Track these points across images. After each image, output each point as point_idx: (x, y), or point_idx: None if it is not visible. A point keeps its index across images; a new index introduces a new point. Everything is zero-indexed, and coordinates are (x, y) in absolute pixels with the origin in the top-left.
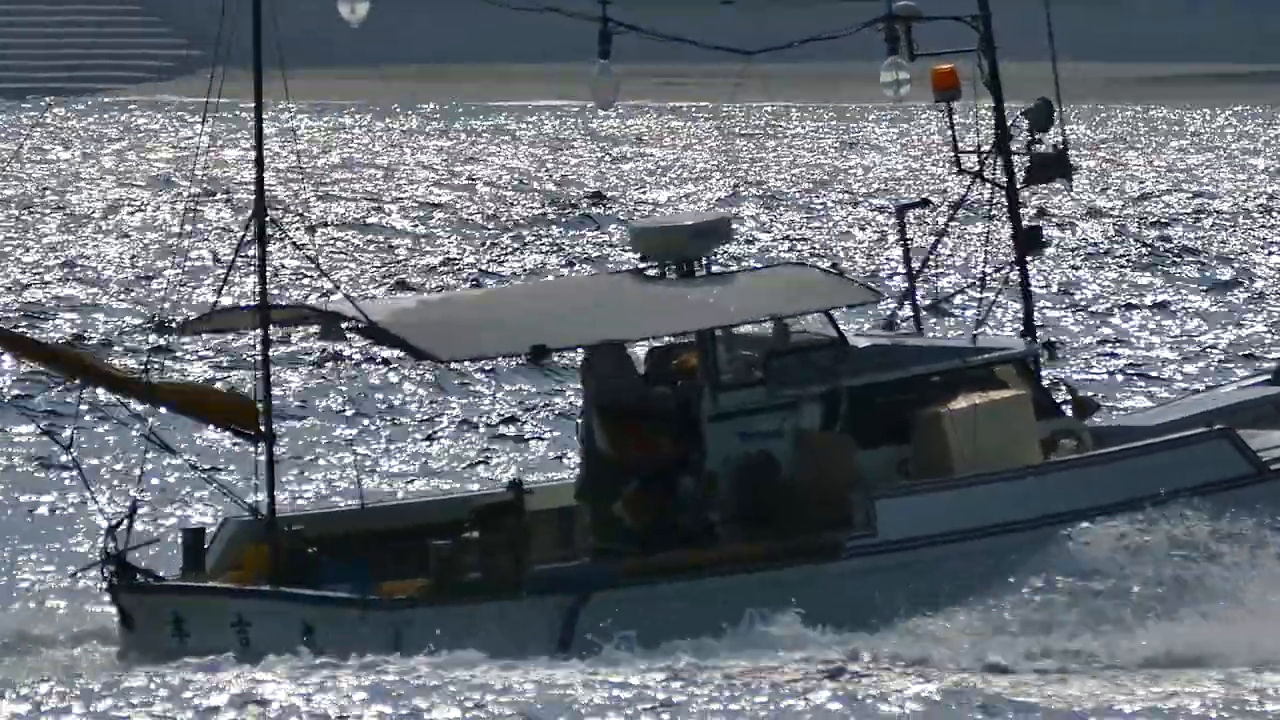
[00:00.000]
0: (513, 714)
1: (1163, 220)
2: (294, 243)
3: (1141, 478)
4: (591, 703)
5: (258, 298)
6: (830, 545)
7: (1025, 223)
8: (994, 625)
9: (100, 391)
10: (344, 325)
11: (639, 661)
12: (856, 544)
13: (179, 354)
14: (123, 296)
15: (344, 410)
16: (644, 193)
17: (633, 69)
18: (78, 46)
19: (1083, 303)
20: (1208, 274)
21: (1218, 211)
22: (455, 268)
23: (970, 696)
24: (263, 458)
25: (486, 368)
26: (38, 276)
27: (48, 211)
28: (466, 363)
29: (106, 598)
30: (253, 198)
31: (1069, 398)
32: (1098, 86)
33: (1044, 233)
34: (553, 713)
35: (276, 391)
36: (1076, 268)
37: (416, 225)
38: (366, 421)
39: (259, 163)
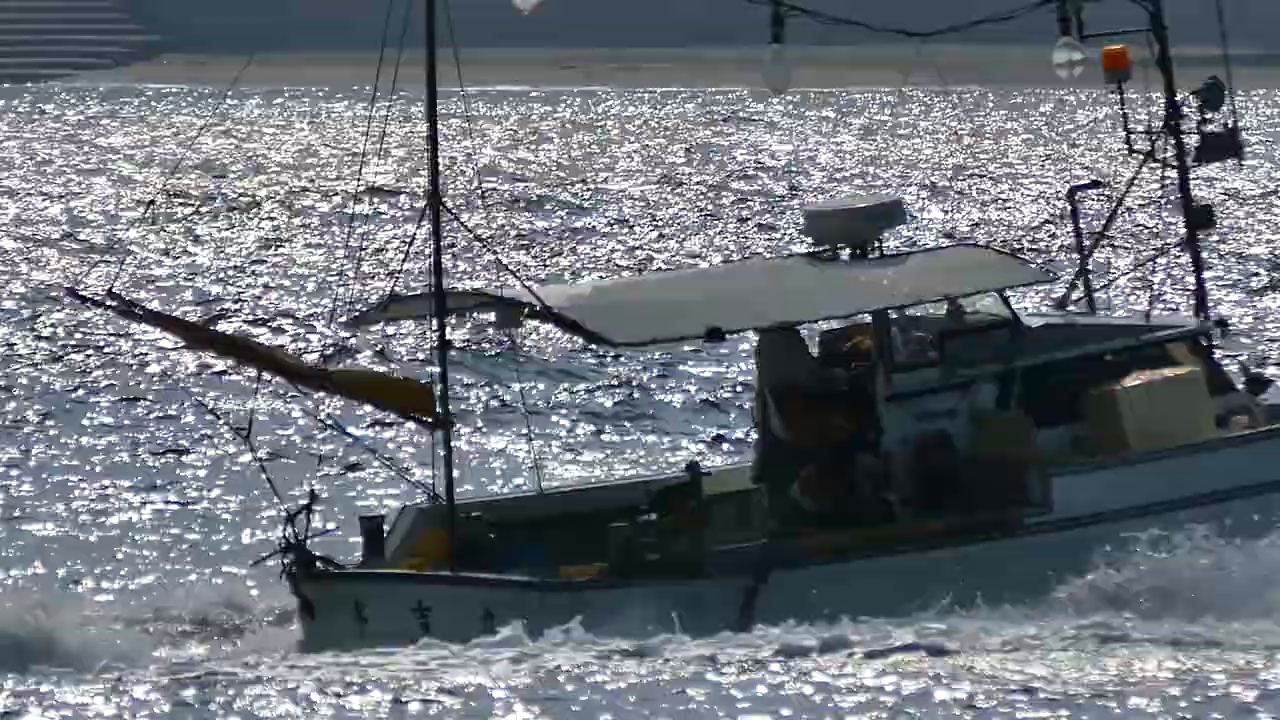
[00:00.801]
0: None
1: None
2: (468, 229)
3: None
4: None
5: (433, 285)
6: (1007, 522)
7: (1196, 201)
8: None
9: (278, 381)
10: (519, 311)
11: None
12: (1033, 521)
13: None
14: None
15: (521, 396)
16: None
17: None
18: (33, 33)
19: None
20: None
21: None
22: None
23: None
24: (440, 444)
25: (662, 351)
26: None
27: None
28: (641, 346)
29: (286, 586)
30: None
31: (1242, 375)
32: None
33: (1214, 211)
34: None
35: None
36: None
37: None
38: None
39: (432, 149)
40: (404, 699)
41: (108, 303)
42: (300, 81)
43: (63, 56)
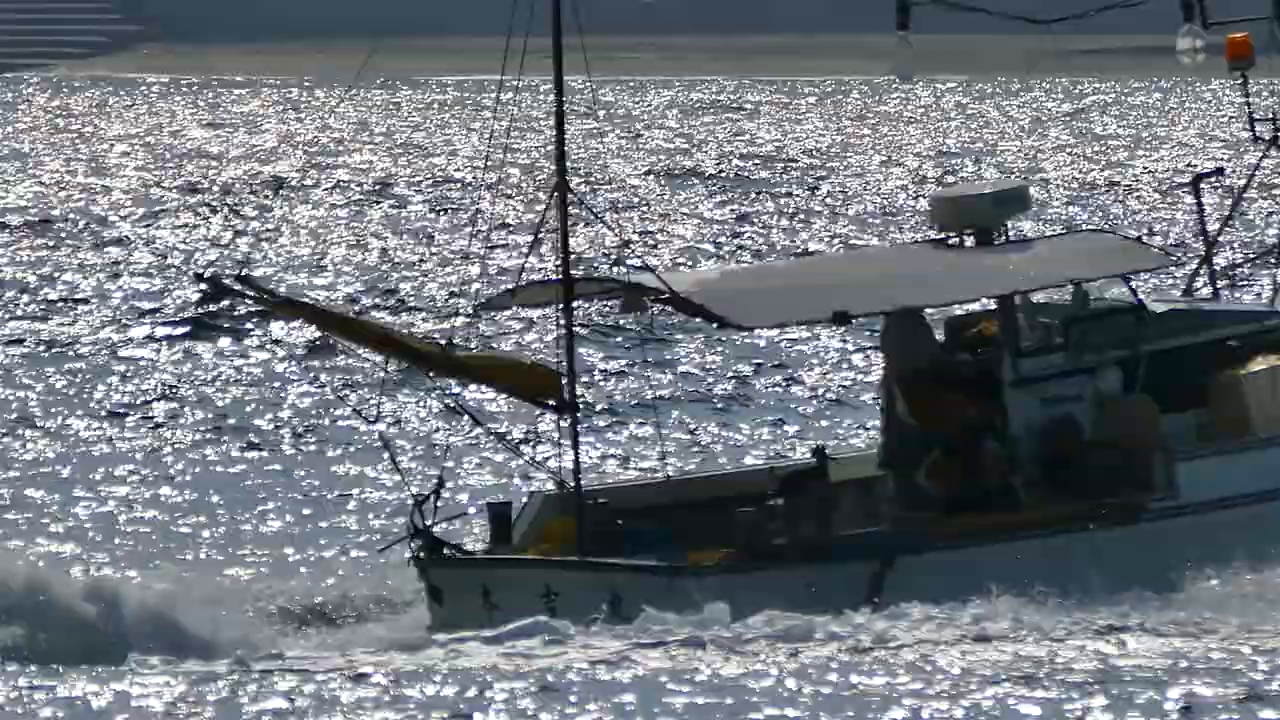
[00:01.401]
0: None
1: None
2: (595, 214)
3: None
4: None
5: (561, 271)
6: (1133, 507)
7: None
8: None
9: (407, 365)
10: (647, 295)
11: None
12: (1159, 506)
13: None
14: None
15: (648, 381)
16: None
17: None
18: (11, 22)
19: None
20: None
21: None
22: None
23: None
24: (567, 430)
25: (788, 335)
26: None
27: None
28: (768, 329)
29: (414, 572)
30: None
31: None
32: None
33: None
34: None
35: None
36: None
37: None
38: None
39: (559, 135)
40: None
41: (238, 288)
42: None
43: (55, 45)
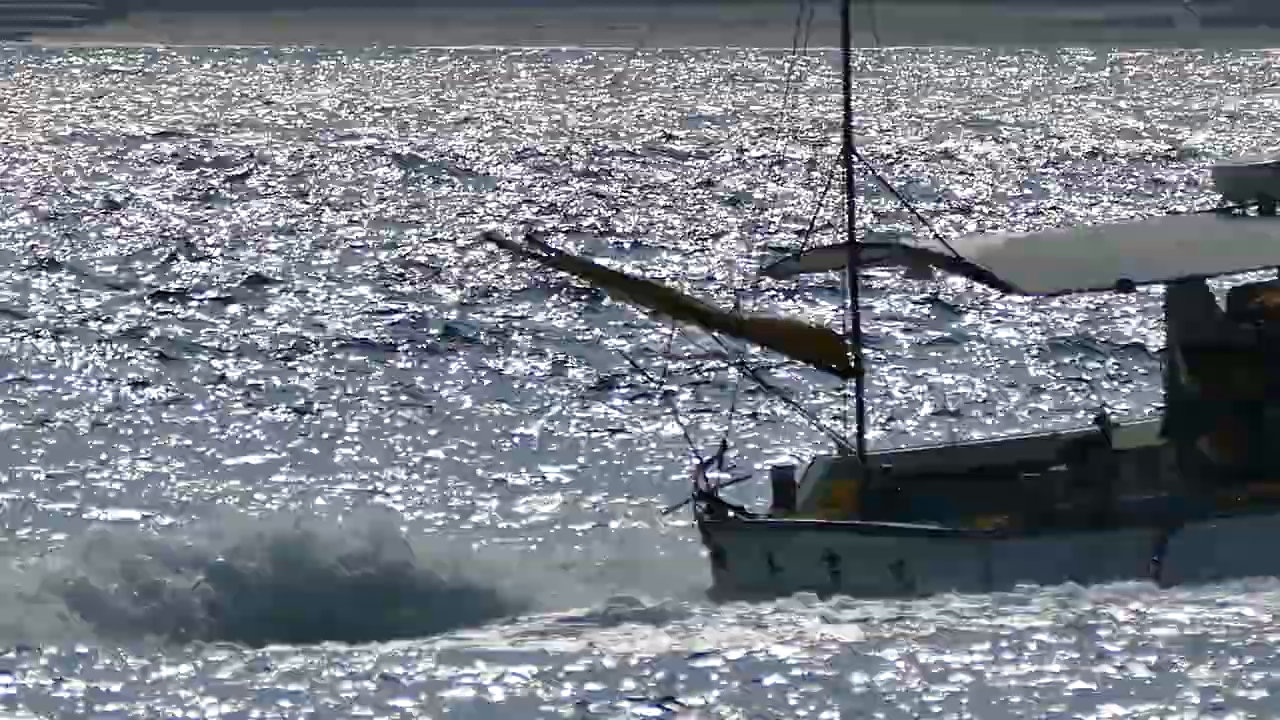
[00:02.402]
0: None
1: None
2: (882, 180)
3: None
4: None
5: (847, 236)
6: None
7: None
8: None
9: (694, 328)
10: (931, 261)
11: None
12: None
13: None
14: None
15: (932, 347)
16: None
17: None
18: None
19: None
20: None
21: None
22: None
23: None
24: (852, 395)
25: (1069, 303)
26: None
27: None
28: (1052, 296)
29: (698, 534)
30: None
31: None
32: None
33: None
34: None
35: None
36: None
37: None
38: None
39: (846, 101)
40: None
41: (527, 248)
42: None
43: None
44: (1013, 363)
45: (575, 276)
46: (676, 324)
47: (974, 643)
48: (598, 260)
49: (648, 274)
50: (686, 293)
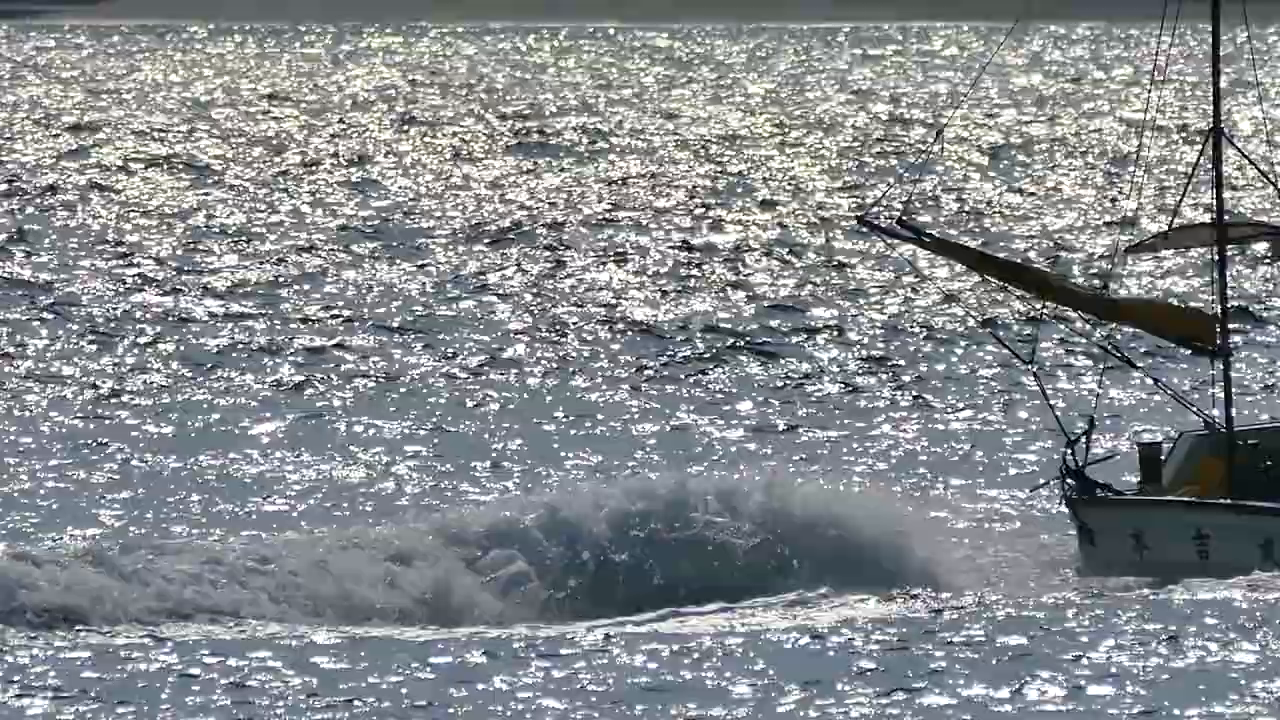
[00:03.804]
0: None
1: None
2: (1250, 159)
3: None
4: None
5: (1214, 215)
6: None
7: None
8: None
9: (1061, 307)
10: None
11: None
12: None
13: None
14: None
15: None
16: None
17: None
18: None
19: None
20: None
21: None
22: None
23: None
24: (1219, 372)
25: None
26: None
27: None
28: None
29: (1065, 511)
30: None
31: None
32: None
33: None
34: None
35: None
36: None
37: None
38: None
39: (1215, 80)
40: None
41: (898, 230)
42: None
43: None
44: None
45: (948, 259)
46: (1046, 304)
47: None
48: (966, 243)
49: (1016, 256)
50: (1056, 273)
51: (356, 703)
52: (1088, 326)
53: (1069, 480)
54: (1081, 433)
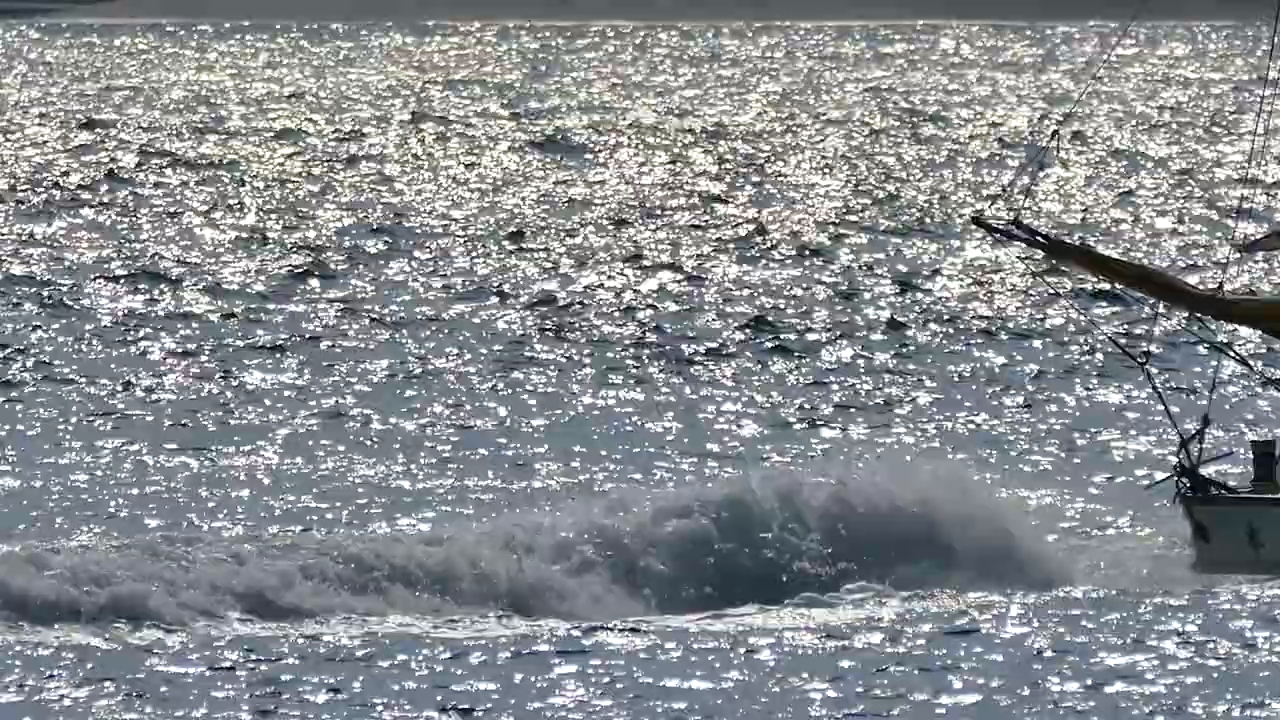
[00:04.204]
0: None
1: None
2: None
3: None
4: None
5: None
6: None
7: None
8: None
9: (1178, 308)
10: None
11: None
12: None
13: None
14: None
15: None
16: None
17: None
18: None
19: None
20: None
21: None
22: None
23: None
24: None
25: None
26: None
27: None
28: None
29: (1179, 510)
30: None
31: None
32: None
33: None
34: None
35: None
36: None
37: None
38: None
39: None
40: None
41: (1014, 231)
42: None
43: None
44: None
45: (1061, 260)
46: (1161, 304)
47: None
48: (1082, 244)
49: (1131, 255)
50: (1170, 273)
51: (377, 701)
52: (1201, 325)
53: (1183, 478)
54: (1195, 431)
